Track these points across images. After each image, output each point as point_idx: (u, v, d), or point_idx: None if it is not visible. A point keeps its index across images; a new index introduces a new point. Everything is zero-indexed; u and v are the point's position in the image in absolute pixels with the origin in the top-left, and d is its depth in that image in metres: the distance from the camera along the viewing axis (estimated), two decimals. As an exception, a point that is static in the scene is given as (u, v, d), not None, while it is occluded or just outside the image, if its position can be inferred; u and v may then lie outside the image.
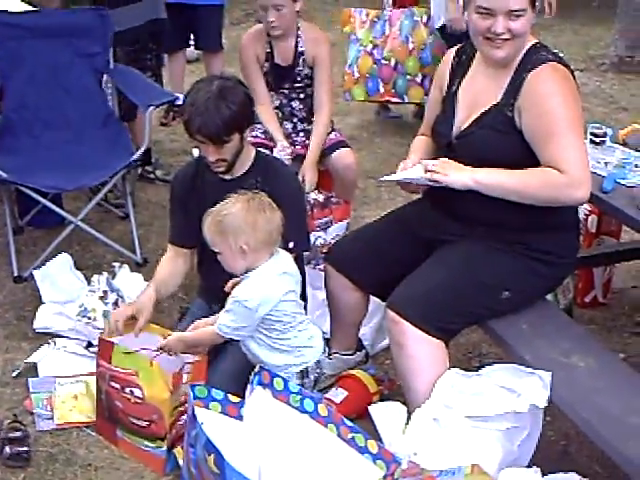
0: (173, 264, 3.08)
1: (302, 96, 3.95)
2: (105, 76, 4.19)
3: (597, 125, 3.22)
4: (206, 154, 2.89)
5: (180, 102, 5.26)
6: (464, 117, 2.77)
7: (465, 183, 2.63)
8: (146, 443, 2.72)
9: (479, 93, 2.75)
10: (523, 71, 2.64)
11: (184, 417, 2.66)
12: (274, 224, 2.60)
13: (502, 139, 2.66)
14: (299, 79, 3.92)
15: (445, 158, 2.69)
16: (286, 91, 3.94)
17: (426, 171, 2.65)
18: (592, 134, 3.14)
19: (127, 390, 2.71)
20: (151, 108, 3.86)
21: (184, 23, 5.18)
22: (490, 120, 2.68)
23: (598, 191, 2.92)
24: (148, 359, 2.67)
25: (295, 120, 3.99)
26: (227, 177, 2.96)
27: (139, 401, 2.69)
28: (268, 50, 3.89)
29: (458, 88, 2.81)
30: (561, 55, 2.76)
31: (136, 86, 4.10)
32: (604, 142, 3.13)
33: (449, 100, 2.83)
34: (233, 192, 2.77)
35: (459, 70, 2.83)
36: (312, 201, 3.74)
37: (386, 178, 2.88)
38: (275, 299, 2.63)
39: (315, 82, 3.90)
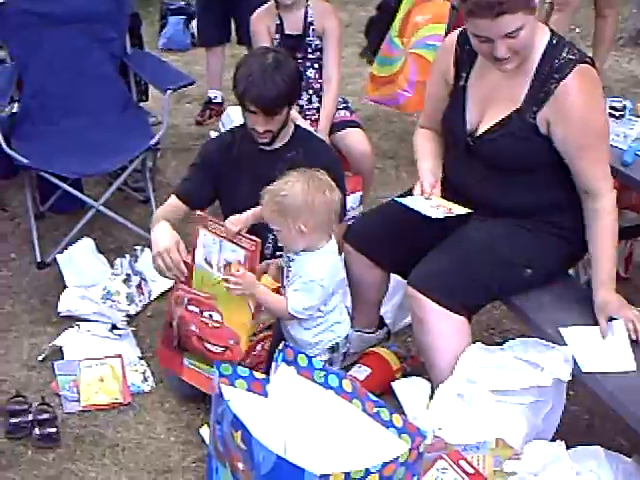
0: (171, 214, 3.02)
1: (316, 66, 3.98)
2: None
3: (616, 99, 3.20)
4: (255, 125, 2.92)
5: (218, 99, 5.29)
6: (477, 114, 2.72)
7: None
8: None
9: (493, 89, 2.69)
10: (547, 78, 2.57)
11: (259, 347, 2.71)
12: (333, 205, 2.58)
13: (524, 145, 2.63)
14: (310, 50, 3.96)
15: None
16: (300, 60, 3.96)
17: None
18: (611, 107, 3.12)
19: (206, 314, 2.73)
20: (169, 92, 3.87)
21: (224, 15, 5.06)
22: (512, 127, 2.63)
23: (618, 164, 2.92)
24: (218, 277, 2.69)
25: (310, 92, 4.00)
26: (267, 148, 2.99)
27: (217, 325, 2.71)
28: (278, 22, 3.95)
29: (467, 81, 2.75)
30: (576, 37, 2.73)
31: (153, 70, 4.12)
32: (623, 115, 3.12)
33: (458, 95, 2.77)
34: (273, 163, 2.86)
35: (465, 61, 2.75)
36: None
37: (402, 201, 2.80)
38: (339, 276, 2.69)
39: (324, 53, 3.96)
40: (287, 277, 2.67)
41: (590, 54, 5.53)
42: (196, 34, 5.74)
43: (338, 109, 4.00)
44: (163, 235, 2.85)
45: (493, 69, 2.66)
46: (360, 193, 3.90)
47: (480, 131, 2.71)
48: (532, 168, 2.65)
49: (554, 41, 2.61)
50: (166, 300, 3.32)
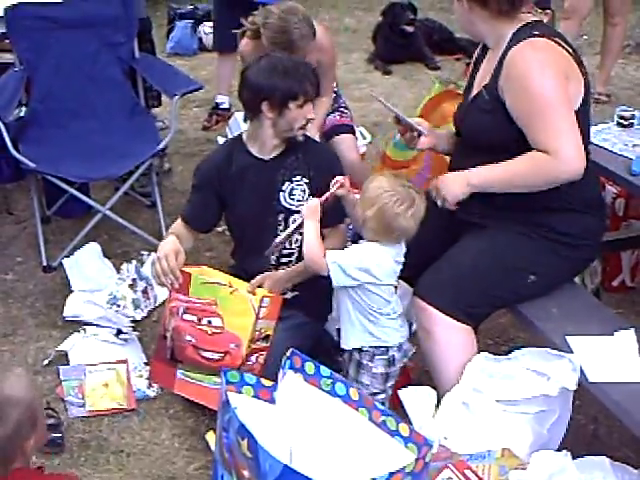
0: (185, 231, 3.07)
1: None
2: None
3: (625, 108, 3.20)
4: (307, 114, 2.91)
5: (225, 104, 5.26)
6: None
7: (463, 193, 2.68)
8: (215, 380, 2.70)
9: (482, 77, 2.76)
10: (506, 51, 2.61)
11: (253, 357, 2.70)
12: (395, 224, 2.55)
13: (491, 120, 2.65)
14: None
15: (441, 176, 2.76)
16: None
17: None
18: (620, 117, 3.13)
19: (204, 321, 2.73)
20: (177, 97, 3.86)
21: (240, 21, 5.06)
22: (480, 102, 2.69)
23: (627, 174, 2.92)
24: (228, 289, 2.69)
25: None
26: (266, 157, 2.98)
27: (217, 331, 2.71)
28: None
29: (476, 74, 2.82)
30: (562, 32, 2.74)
31: (161, 75, 4.12)
32: (632, 124, 3.12)
33: (468, 88, 2.85)
34: (275, 171, 2.91)
35: (479, 59, 2.84)
36: None
37: (384, 102, 2.93)
38: (372, 278, 2.60)
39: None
40: None
41: (597, 62, 5.59)
42: (212, 39, 5.73)
43: (328, 113, 3.93)
44: (166, 244, 2.90)
45: (489, 59, 2.73)
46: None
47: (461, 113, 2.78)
48: (505, 146, 2.63)
49: (529, 24, 2.64)
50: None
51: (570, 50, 2.62)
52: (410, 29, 6.38)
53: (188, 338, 2.77)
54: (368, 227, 2.59)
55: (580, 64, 2.64)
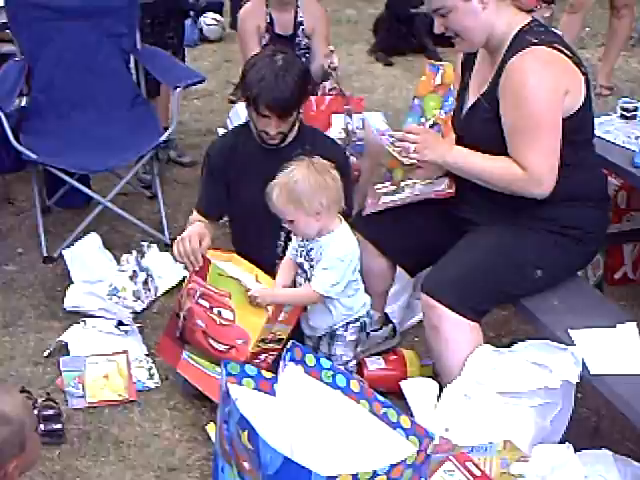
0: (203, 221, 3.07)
1: (302, 60, 3.96)
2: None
3: (627, 100, 3.19)
4: (266, 128, 2.90)
5: None
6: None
7: (436, 161, 2.72)
8: (218, 369, 2.66)
9: (479, 82, 2.73)
10: (507, 59, 2.57)
11: (262, 356, 2.70)
12: (339, 182, 2.63)
13: (491, 127, 2.63)
14: (299, 49, 3.95)
15: (426, 130, 2.78)
16: None
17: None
18: (622, 109, 3.12)
19: (215, 310, 2.74)
20: (179, 89, 3.84)
21: None
22: (480, 109, 2.67)
23: (629, 166, 2.91)
24: (244, 286, 2.69)
25: None
26: (274, 147, 2.98)
27: (226, 323, 2.72)
28: (268, 21, 3.94)
29: (469, 81, 2.80)
30: (560, 32, 2.70)
31: (163, 66, 4.10)
32: (635, 117, 3.11)
33: (462, 94, 2.82)
34: (281, 161, 2.83)
35: (468, 63, 2.81)
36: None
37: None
38: (358, 253, 2.70)
39: (311, 53, 3.94)
40: (310, 268, 2.68)
41: (600, 54, 5.57)
42: (215, 31, 6.05)
43: None
44: (192, 227, 2.92)
45: (482, 64, 2.72)
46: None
47: (461, 120, 2.76)
48: (506, 154, 2.62)
49: (526, 28, 2.61)
50: (173, 296, 3.33)
51: (569, 53, 2.60)
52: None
53: (200, 322, 2.78)
54: (324, 217, 2.61)
55: (579, 65, 2.62)
